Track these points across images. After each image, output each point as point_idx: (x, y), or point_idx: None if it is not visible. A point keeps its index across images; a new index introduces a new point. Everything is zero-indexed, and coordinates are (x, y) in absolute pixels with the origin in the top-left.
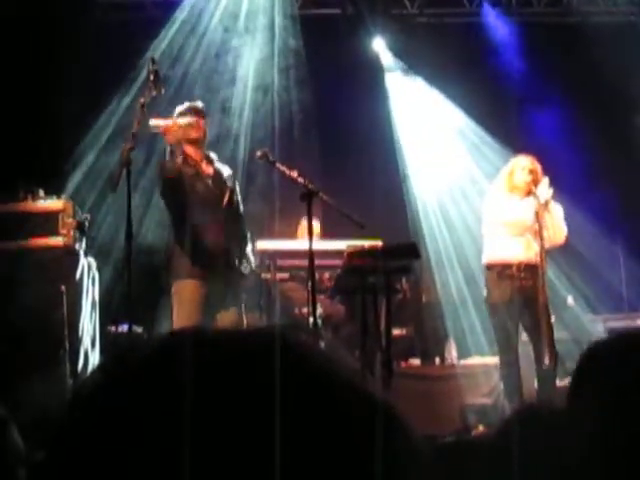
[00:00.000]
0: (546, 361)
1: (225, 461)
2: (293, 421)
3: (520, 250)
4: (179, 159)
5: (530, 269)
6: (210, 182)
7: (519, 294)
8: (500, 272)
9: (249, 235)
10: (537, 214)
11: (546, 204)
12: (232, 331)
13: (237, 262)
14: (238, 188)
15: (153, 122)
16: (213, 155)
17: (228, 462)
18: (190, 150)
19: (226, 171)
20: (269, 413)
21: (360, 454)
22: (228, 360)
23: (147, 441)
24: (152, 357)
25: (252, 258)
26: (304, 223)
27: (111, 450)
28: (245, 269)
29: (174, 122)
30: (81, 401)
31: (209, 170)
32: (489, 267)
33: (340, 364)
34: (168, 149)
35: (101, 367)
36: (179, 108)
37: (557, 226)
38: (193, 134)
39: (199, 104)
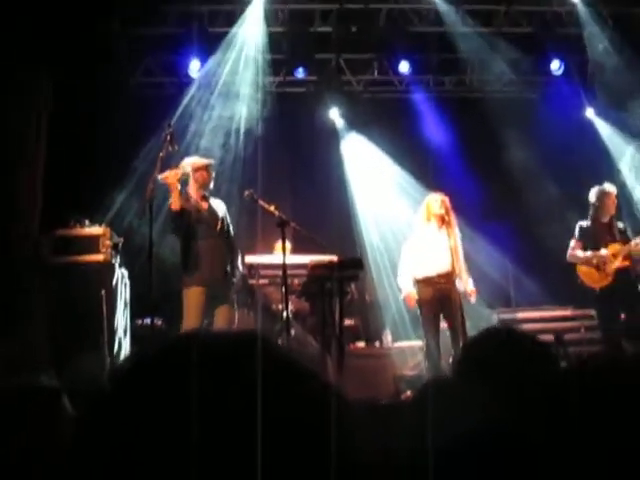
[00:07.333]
0: (460, 344)
1: (218, 426)
2: (269, 397)
3: (437, 264)
4: (182, 199)
5: (446, 275)
6: (207, 214)
7: (439, 294)
8: (425, 281)
9: (239, 252)
10: (448, 237)
11: (455, 237)
12: (223, 333)
13: (229, 272)
14: (229, 218)
15: (160, 176)
16: (208, 194)
17: (220, 427)
18: (192, 191)
19: (219, 205)
20: (252, 393)
21: (316, 416)
22: (220, 354)
23: (159, 407)
24: (165, 352)
25: (240, 268)
26: (278, 243)
27: (134, 415)
28: (235, 277)
29: (181, 172)
30: (116, 379)
31: (205, 205)
32: (417, 279)
33: (300, 356)
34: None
35: (131, 357)
36: (198, 162)
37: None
38: (205, 180)
39: (210, 161)
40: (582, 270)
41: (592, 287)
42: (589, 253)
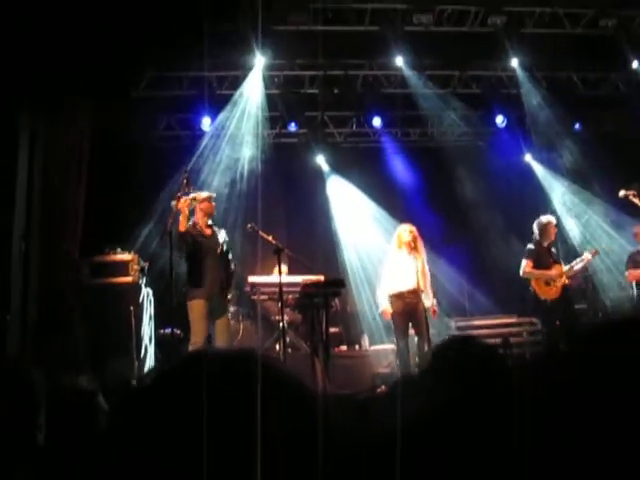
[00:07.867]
0: (425, 347)
1: (223, 426)
2: (265, 403)
3: (407, 282)
4: (189, 224)
5: (413, 292)
6: (209, 239)
7: (408, 307)
8: (397, 296)
9: (233, 272)
10: (416, 260)
11: (423, 260)
12: (226, 350)
13: (226, 289)
14: (229, 244)
15: (173, 203)
16: (212, 223)
17: (224, 427)
18: (198, 219)
19: (220, 232)
20: (251, 397)
21: (304, 417)
22: (224, 368)
23: (174, 409)
24: (179, 366)
25: (231, 284)
26: (276, 266)
27: (154, 414)
28: (230, 293)
29: (190, 198)
30: (141, 387)
31: (209, 232)
32: (390, 294)
33: (286, 368)
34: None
35: (154, 369)
36: (203, 194)
37: (426, 280)
38: (208, 210)
39: (212, 194)
40: (536, 284)
41: (544, 298)
42: (541, 271)
